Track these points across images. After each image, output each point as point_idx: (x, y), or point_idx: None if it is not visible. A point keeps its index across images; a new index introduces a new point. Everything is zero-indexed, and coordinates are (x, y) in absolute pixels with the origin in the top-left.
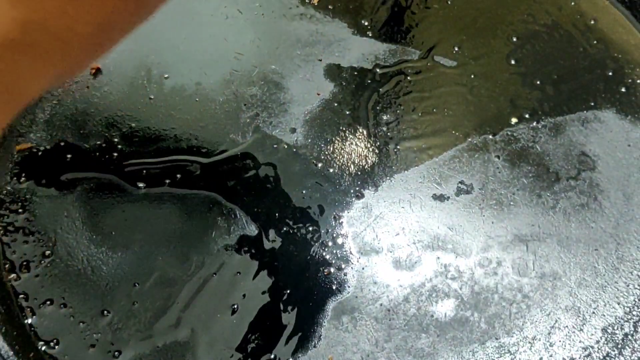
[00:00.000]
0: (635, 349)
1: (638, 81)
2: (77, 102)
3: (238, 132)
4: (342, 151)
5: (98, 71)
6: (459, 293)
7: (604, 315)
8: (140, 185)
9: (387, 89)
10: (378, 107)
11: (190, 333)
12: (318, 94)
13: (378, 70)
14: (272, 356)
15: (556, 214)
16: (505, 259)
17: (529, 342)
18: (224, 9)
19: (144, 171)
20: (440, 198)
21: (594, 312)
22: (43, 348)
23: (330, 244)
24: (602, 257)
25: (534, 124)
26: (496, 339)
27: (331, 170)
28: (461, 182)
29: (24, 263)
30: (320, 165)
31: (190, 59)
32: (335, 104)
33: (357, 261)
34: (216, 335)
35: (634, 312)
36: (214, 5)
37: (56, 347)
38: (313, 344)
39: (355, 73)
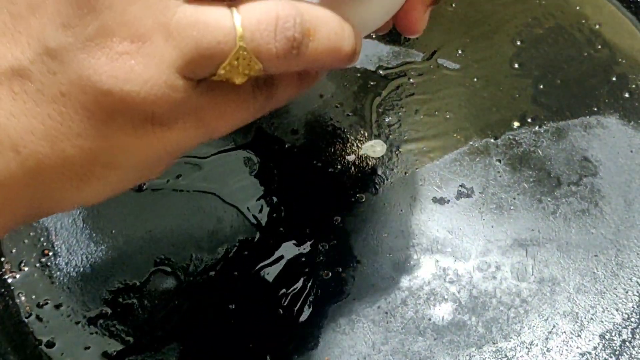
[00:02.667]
0: (632, 356)
1: None
2: None
3: (239, 132)
4: (343, 153)
5: None
6: (457, 297)
7: (602, 322)
8: (141, 183)
9: (390, 90)
10: (380, 109)
11: (189, 333)
12: (320, 96)
13: (381, 72)
14: (269, 358)
15: (556, 219)
16: (504, 263)
17: (526, 347)
18: None
19: None
20: (440, 201)
21: (592, 318)
22: (40, 346)
23: (328, 246)
24: (602, 263)
25: (536, 128)
26: (493, 343)
27: (331, 171)
28: (462, 186)
29: (22, 260)
30: (320, 166)
31: None
32: (337, 106)
33: (356, 264)
34: (214, 335)
35: (632, 319)
36: None
37: (53, 346)
38: (310, 346)
39: (358, 75)
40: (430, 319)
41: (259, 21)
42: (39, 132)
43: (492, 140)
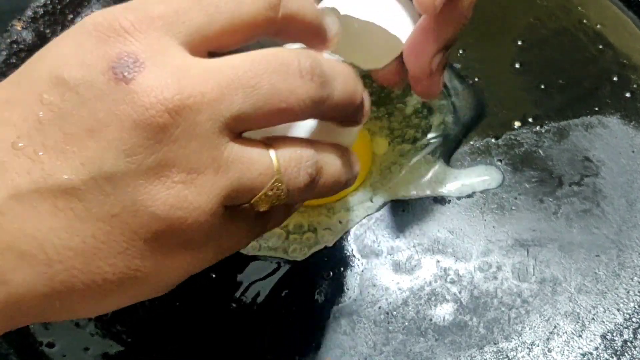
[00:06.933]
0: (634, 356)
1: None
2: None
3: None
4: None
5: None
6: (458, 297)
7: (604, 322)
8: None
9: (390, 90)
10: (380, 109)
11: (189, 333)
12: None
13: None
14: (269, 358)
15: (558, 219)
16: (506, 263)
17: (528, 348)
18: None
19: None
20: (441, 201)
21: (593, 319)
22: (41, 347)
23: (330, 246)
24: (603, 263)
25: (538, 128)
26: (494, 344)
27: None
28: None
29: None
30: None
31: None
32: None
33: (357, 264)
34: (214, 335)
35: (634, 319)
36: None
37: (54, 347)
38: (311, 346)
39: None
40: (431, 320)
41: (290, 158)
42: (78, 249)
43: (493, 140)
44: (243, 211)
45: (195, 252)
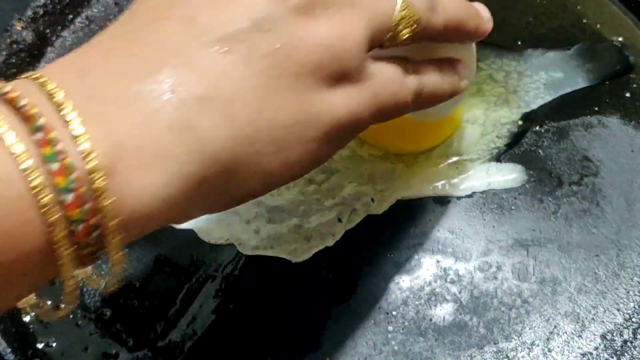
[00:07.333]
0: (634, 356)
1: None
2: None
3: None
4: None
5: None
6: (458, 297)
7: (604, 322)
8: None
9: None
10: None
11: (189, 334)
12: None
13: None
14: (269, 358)
15: (557, 219)
16: (505, 263)
17: (527, 348)
18: None
19: None
20: (441, 201)
21: (593, 319)
22: (40, 347)
23: (329, 246)
24: (603, 263)
25: (537, 128)
26: (494, 344)
27: None
28: None
29: None
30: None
31: None
32: None
33: (357, 264)
34: (215, 336)
35: (634, 319)
36: None
37: (53, 347)
38: (311, 346)
39: None
40: (431, 320)
41: None
42: (251, 86)
43: None
44: (384, 60)
45: (353, 88)
